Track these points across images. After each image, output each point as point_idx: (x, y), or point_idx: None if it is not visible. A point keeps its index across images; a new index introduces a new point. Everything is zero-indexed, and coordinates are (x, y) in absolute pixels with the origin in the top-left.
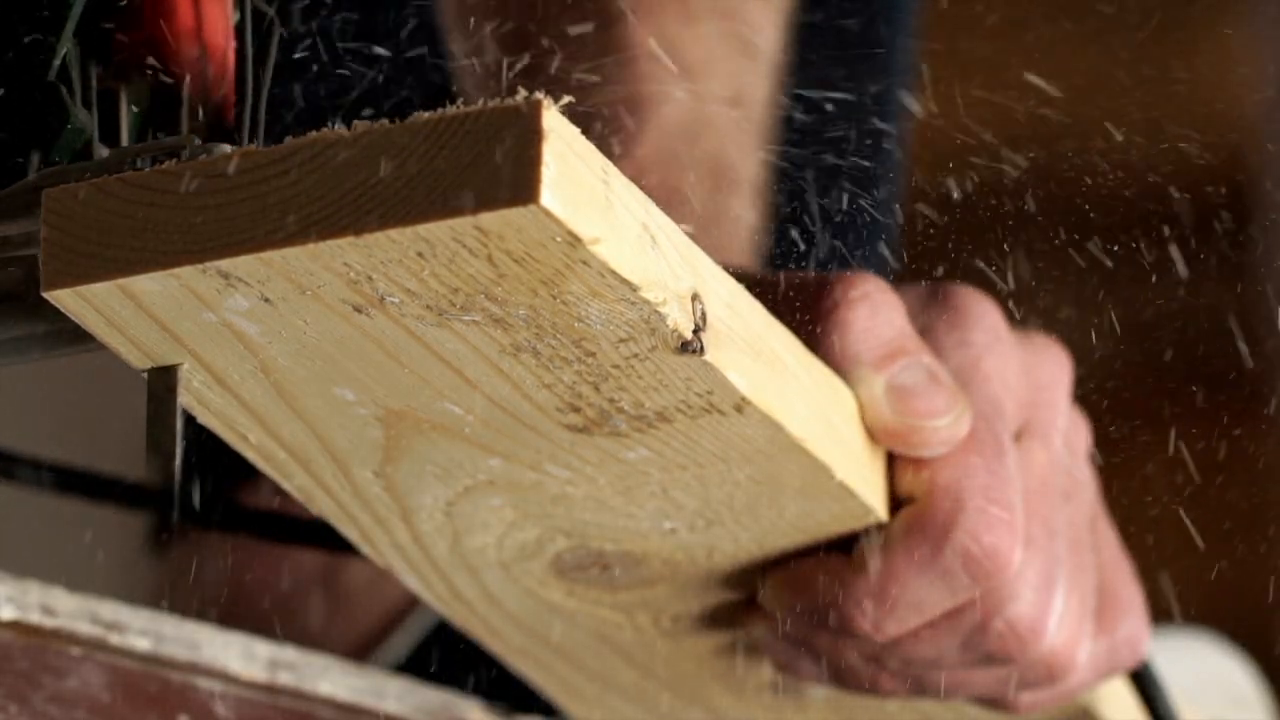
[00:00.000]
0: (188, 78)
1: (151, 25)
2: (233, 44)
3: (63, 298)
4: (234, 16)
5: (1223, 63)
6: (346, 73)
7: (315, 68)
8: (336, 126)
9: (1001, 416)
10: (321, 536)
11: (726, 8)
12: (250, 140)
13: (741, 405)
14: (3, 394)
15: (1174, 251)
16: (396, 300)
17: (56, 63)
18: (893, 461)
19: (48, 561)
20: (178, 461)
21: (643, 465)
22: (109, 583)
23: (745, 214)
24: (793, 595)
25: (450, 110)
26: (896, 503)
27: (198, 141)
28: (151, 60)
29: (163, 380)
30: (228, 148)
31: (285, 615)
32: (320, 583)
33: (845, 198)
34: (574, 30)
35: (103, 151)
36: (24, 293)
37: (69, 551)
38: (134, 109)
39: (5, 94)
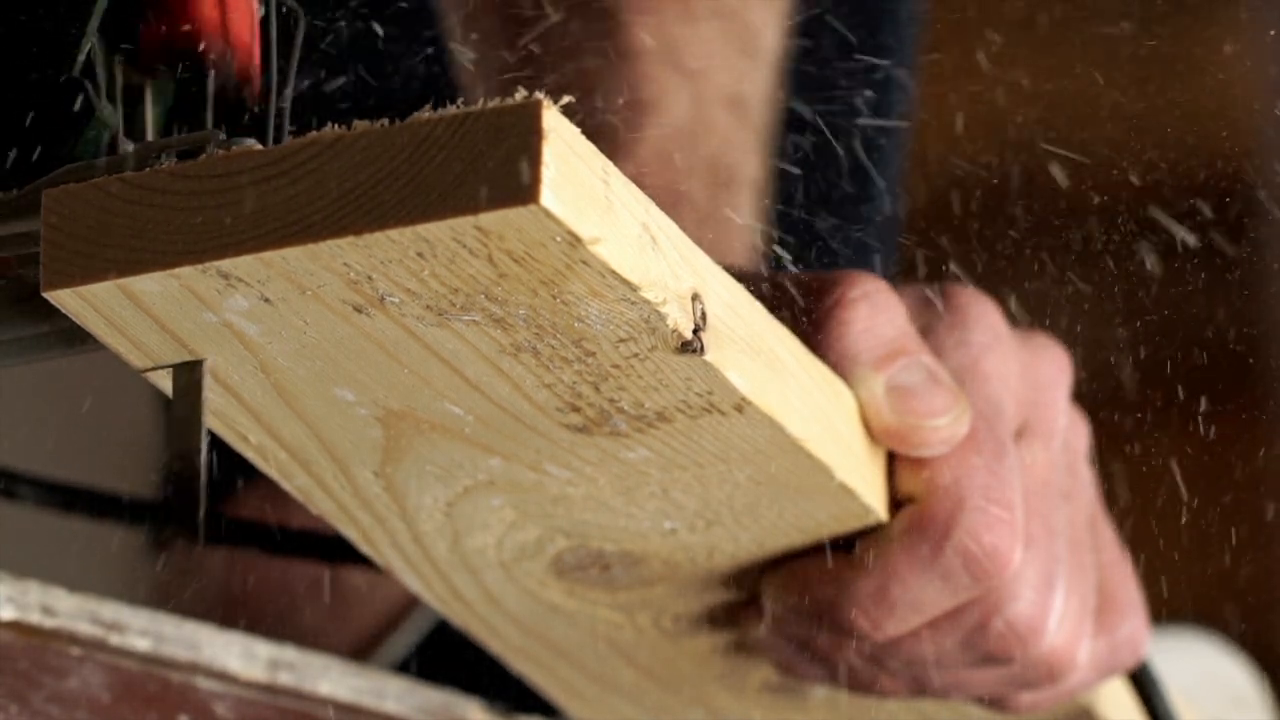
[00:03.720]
0: (213, 72)
1: (176, 20)
2: (258, 38)
3: (63, 298)
4: (259, 11)
5: (1223, 63)
6: (347, 71)
7: (320, 66)
8: (336, 126)
9: (1001, 416)
10: (321, 549)
11: (727, 8)
12: (275, 135)
13: (741, 405)
14: (5, 397)
15: (1174, 252)
16: (396, 300)
17: (81, 58)
18: (893, 461)
19: (50, 561)
20: (203, 458)
21: (643, 465)
22: (109, 581)
23: (745, 214)
24: (793, 595)
25: (450, 110)
26: (896, 503)
27: (223, 136)
28: (176, 55)
29: (187, 376)
30: (253, 143)
31: (285, 615)
32: (320, 582)
33: (846, 198)
34: (575, 30)
35: (128, 147)
36: None
37: (71, 551)
38: (159, 104)
39: (30, 89)
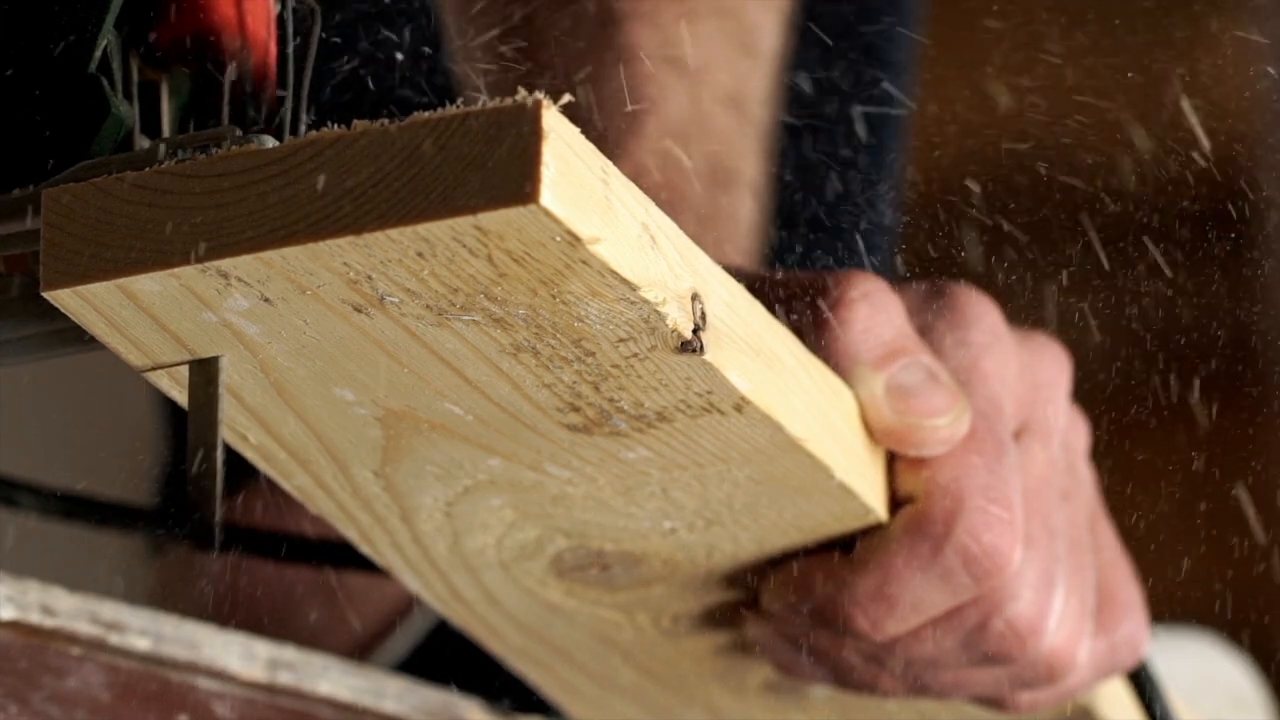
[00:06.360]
0: (229, 69)
1: (193, 16)
2: (274, 35)
3: (63, 298)
4: (275, 7)
5: (1223, 63)
6: (347, 71)
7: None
8: (336, 126)
9: (1001, 416)
10: (322, 555)
11: (727, 7)
12: (292, 131)
13: (741, 405)
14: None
15: (1174, 251)
16: (396, 300)
17: (97, 54)
18: (893, 461)
19: (50, 561)
20: (219, 455)
21: (642, 465)
22: (111, 579)
23: (745, 213)
24: (793, 595)
25: (450, 110)
26: (896, 503)
27: (239, 132)
28: (193, 52)
29: (203, 374)
30: (270, 139)
31: (285, 615)
32: (320, 582)
33: (845, 196)
34: (575, 29)
35: (144, 143)
36: None
37: (71, 551)
38: (175, 100)
39: (47, 86)
